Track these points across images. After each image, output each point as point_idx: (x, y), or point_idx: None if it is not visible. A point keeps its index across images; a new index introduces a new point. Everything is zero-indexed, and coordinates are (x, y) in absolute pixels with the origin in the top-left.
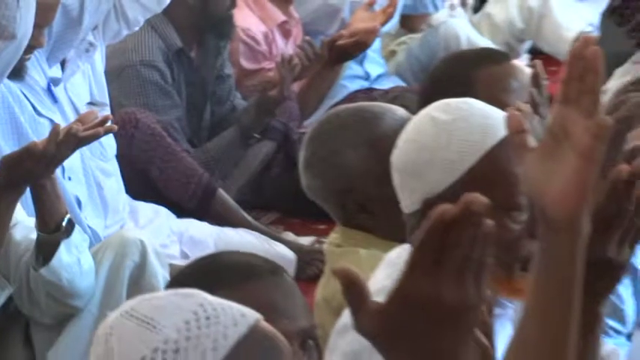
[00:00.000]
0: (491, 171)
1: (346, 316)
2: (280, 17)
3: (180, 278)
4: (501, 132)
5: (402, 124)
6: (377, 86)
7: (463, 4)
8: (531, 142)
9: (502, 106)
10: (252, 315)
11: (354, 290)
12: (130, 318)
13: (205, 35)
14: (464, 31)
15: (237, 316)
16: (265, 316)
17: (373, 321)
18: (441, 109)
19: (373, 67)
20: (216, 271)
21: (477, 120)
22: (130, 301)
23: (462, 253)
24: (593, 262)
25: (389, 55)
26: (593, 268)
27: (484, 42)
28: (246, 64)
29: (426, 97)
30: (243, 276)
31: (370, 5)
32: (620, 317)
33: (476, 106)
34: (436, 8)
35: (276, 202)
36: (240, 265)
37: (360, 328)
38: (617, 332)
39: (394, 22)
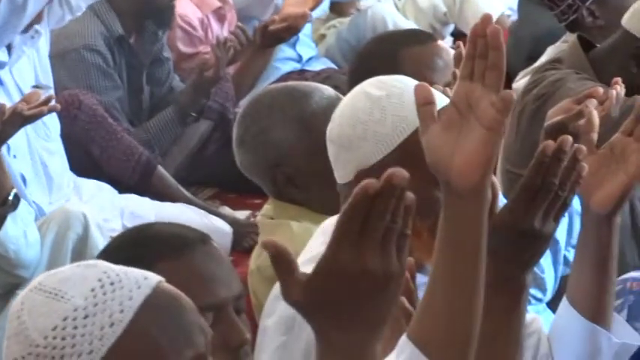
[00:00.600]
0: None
1: None
2: (215, 3)
3: (111, 252)
4: None
5: (329, 102)
6: (309, 68)
7: None
8: (437, 114)
9: (428, 83)
10: (154, 277)
11: (282, 261)
12: (39, 292)
13: (145, 22)
14: (390, 15)
15: (140, 279)
16: (204, 285)
17: (300, 290)
18: (375, 85)
19: (305, 49)
20: (146, 244)
21: (410, 96)
22: (37, 277)
23: (385, 225)
24: (519, 234)
25: (319, 39)
26: (520, 239)
27: (409, 25)
28: (183, 48)
29: (356, 76)
30: (177, 247)
31: None
32: (540, 285)
33: (408, 83)
34: None
35: (213, 178)
36: (170, 236)
37: (288, 297)
38: (537, 300)
39: (324, 8)
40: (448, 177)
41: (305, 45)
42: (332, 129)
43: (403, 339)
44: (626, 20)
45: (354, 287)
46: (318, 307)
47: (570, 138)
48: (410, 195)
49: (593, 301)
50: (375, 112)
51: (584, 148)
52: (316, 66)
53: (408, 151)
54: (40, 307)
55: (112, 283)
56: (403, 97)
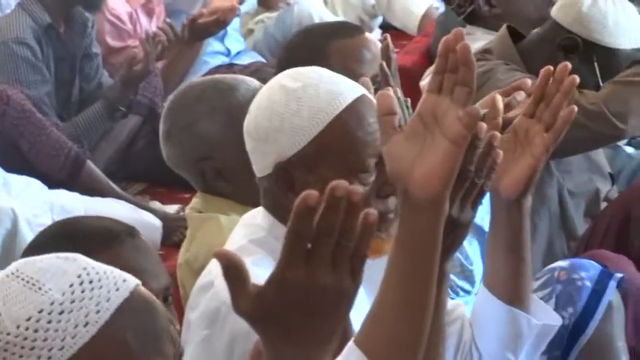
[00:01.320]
0: (340, 135)
1: (206, 275)
2: None
3: (39, 246)
4: (349, 98)
5: (255, 94)
6: (237, 61)
7: None
8: (398, 124)
9: (355, 76)
10: (132, 280)
11: (234, 273)
12: (16, 279)
13: (73, 10)
14: (317, 10)
15: (119, 281)
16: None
17: (251, 303)
18: (290, 76)
19: (233, 43)
20: (74, 238)
21: (326, 87)
22: (14, 263)
23: (334, 241)
24: None
25: (248, 33)
26: None
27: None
28: (111, 42)
29: (284, 69)
30: (105, 241)
31: None
32: (468, 277)
33: (324, 73)
34: None
35: (142, 172)
36: (98, 230)
37: (238, 308)
38: (466, 292)
39: (253, 2)
40: (407, 186)
41: (233, 39)
42: (249, 122)
43: (350, 344)
44: (555, 11)
45: (304, 302)
46: (268, 320)
47: (485, 125)
48: (373, 212)
49: (510, 285)
50: (291, 103)
51: (498, 134)
52: (245, 60)
53: (326, 142)
54: (17, 295)
55: (90, 282)
56: (319, 88)
